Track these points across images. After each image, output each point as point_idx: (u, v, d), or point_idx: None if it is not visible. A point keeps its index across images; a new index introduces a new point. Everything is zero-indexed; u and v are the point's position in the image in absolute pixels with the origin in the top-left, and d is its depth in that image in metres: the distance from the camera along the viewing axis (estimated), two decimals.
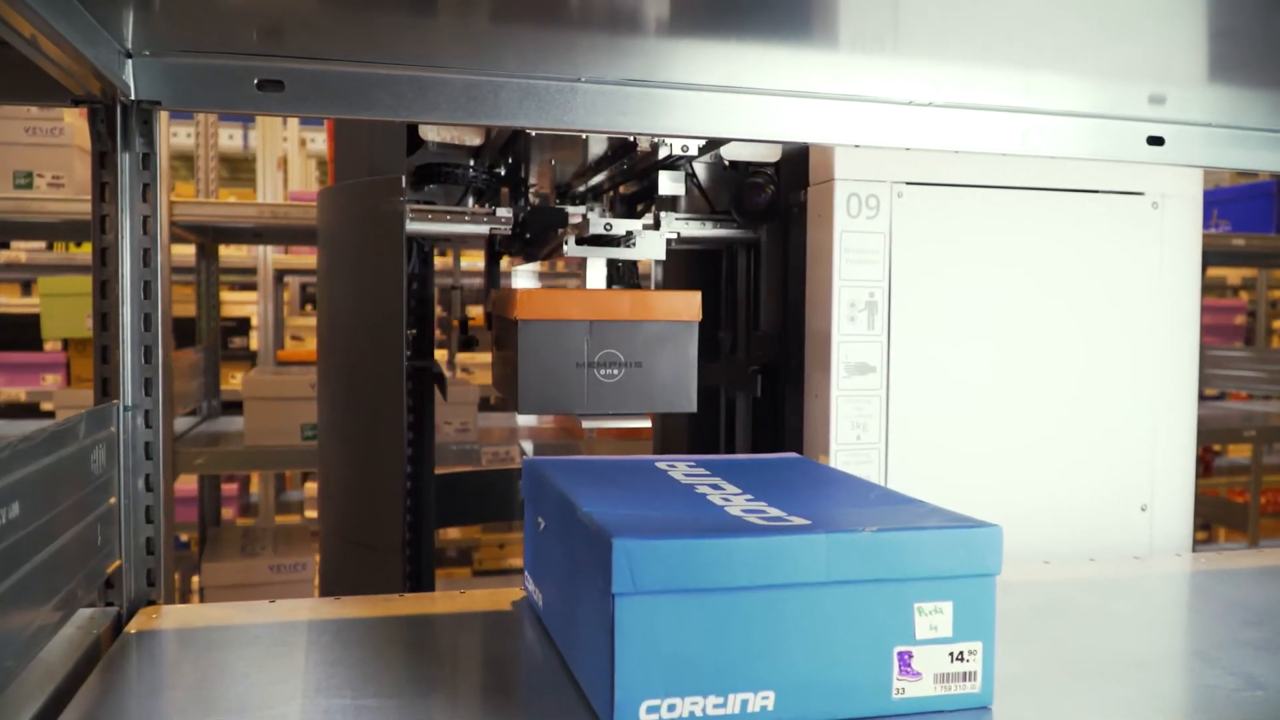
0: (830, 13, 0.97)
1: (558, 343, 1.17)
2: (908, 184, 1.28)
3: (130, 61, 0.95)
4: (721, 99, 1.10)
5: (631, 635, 0.69)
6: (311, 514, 4.05)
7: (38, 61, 0.83)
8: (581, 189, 1.57)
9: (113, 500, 0.96)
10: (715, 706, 0.71)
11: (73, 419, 0.85)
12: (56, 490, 0.79)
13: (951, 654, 0.75)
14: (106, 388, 0.99)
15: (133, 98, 0.95)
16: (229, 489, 4.23)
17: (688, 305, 1.22)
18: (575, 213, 1.43)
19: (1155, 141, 1.21)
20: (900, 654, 0.74)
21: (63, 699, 0.78)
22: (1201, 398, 4.52)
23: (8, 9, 0.69)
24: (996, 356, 1.33)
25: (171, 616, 0.97)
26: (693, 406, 1.21)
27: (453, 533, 4.13)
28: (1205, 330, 4.92)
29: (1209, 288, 5.71)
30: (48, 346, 4.31)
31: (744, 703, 0.71)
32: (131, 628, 0.93)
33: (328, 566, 1.50)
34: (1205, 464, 5.47)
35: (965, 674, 0.76)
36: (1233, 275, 5.28)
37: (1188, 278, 1.40)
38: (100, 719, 0.74)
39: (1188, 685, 0.85)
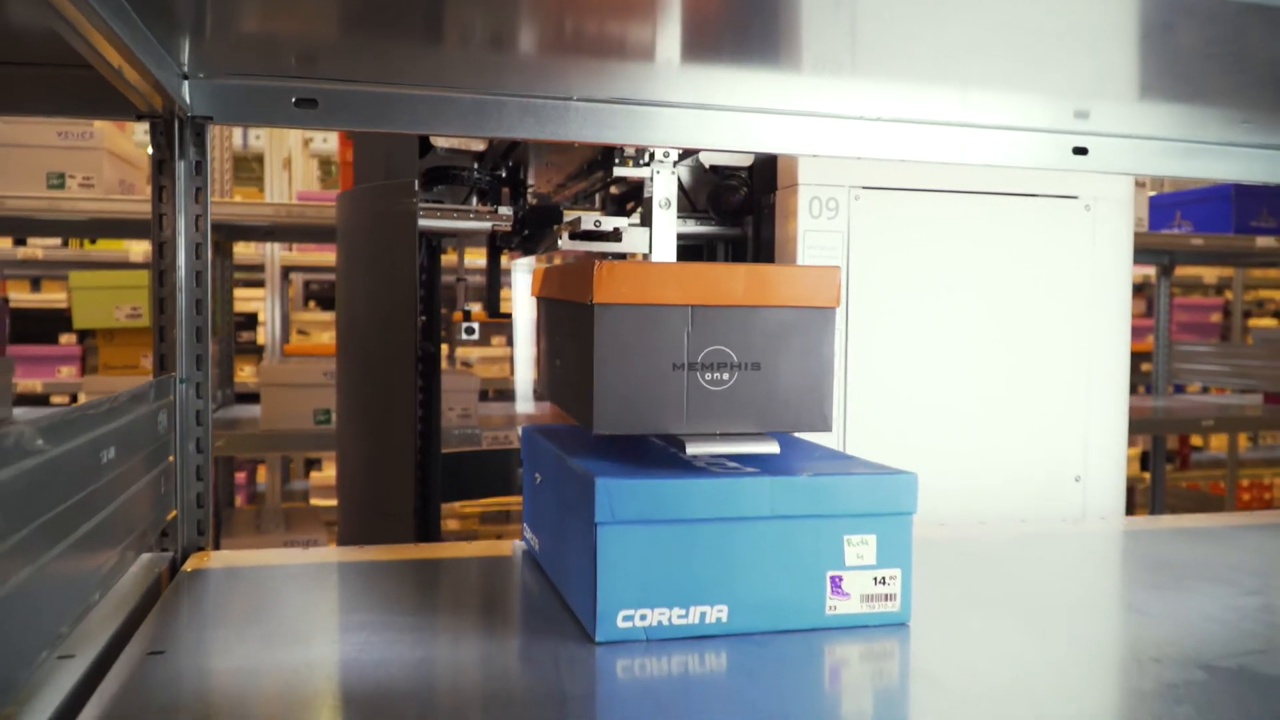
0: (794, 40, 1.12)
1: (649, 336, 0.90)
2: (864, 188, 1.44)
3: (186, 82, 1.11)
4: (697, 115, 1.26)
5: (610, 557, 0.86)
6: (317, 501, 4.20)
7: (117, 84, 0.98)
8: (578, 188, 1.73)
9: (171, 459, 1.11)
10: (679, 616, 0.87)
11: (143, 386, 1.01)
12: (136, 443, 0.95)
13: (875, 578, 0.91)
14: (164, 363, 1.15)
15: (189, 114, 1.11)
16: (237, 478, 4.39)
17: (823, 286, 0.94)
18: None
19: (1080, 151, 1.37)
20: (832, 577, 0.90)
21: (136, 621, 0.93)
22: (1179, 391, 4.68)
23: (104, 44, 0.85)
24: (944, 343, 1.49)
25: (220, 559, 1.13)
26: (828, 426, 0.95)
27: (452, 523, 4.28)
28: (1181, 327, 5.09)
29: (1187, 286, 5.88)
30: (63, 340, 4.47)
31: (702, 614, 0.88)
32: (187, 567, 1.09)
33: (345, 533, 1.66)
34: (1183, 458, 5.64)
35: (887, 595, 0.92)
36: (1209, 274, 5.44)
37: (1118, 272, 1.56)
38: (171, 633, 0.89)
39: (1081, 611, 1.01)
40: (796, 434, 1.37)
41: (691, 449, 0.92)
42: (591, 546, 0.86)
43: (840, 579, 0.91)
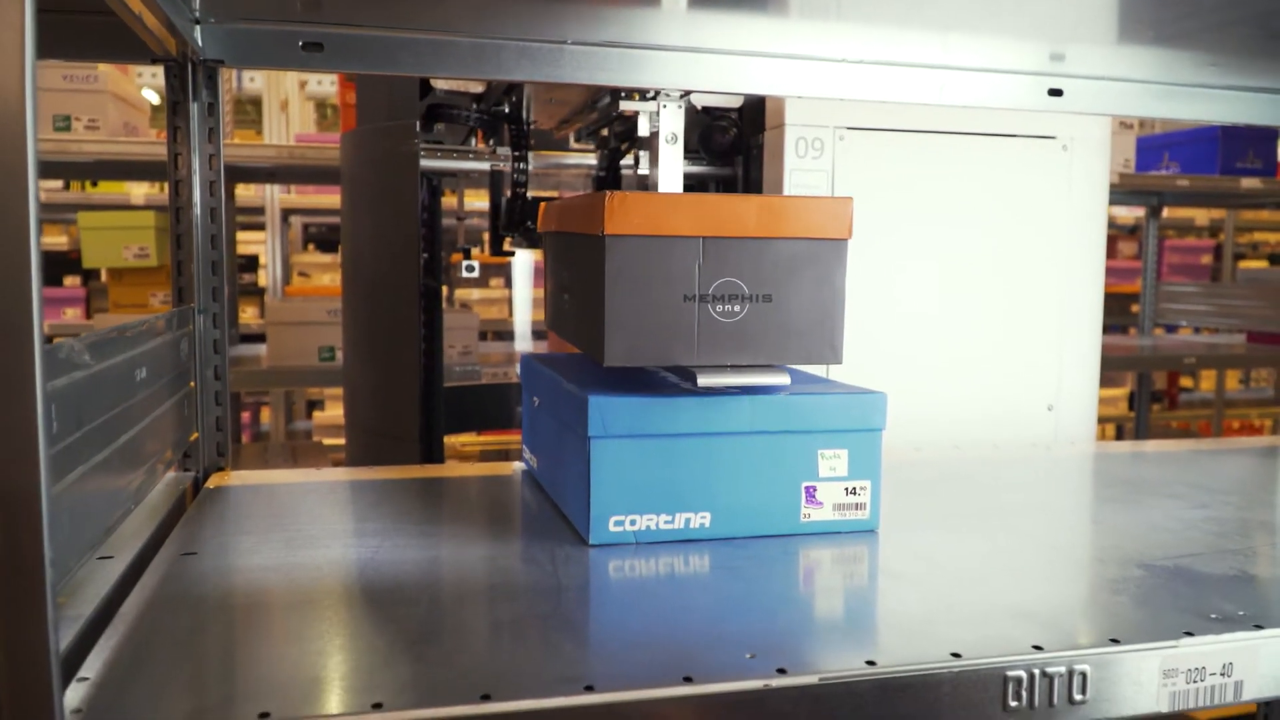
0: None
1: (660, 268, 0.90)
2: (848, 129, 1.50)
3: (198, 27, 1.17)
4: (687, 57, 1.32)
5: (603, 468, 0.93)
6: (320, 440, 4.29)
7: (135, 29, 1.04)
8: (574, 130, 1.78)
9: (192, 384, 1.19)
10: (665, 522, 0.95)
11: (166, 314, 1.08)
12: (162, 367, 1.02)
13: (847, 489, 0.99)
14: (182, 296, 1.21)
15: (202, 58, 1.17)
16: (242, 417, 4.47)
17: (836, 217, 0.94)
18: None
19: (1055, 93, 1.43)
20: (807, 488, 0.98)
21: (166, 529, 1.01)
22: (1171, 331, 4.76)
23: None
24: (926, 278, 1.55)
25: (240, 478, 1.21)
26: (838, 358, 0.96)
27: (452, 463, 4.38)
28: (1173, 269, 5.15)
29: (1180, 228, 5.92)
30: (67, 282, 4.53)
31: (687, 520, 0.96)
32: (210, 484, 1.17)
33: (353, 458, 1.74)
34: (1171, 398, 5.73)
35: (857, 505, 1.00)
36: (1201, 216, 5.49)
37: (1094, 209, 1.62)
38: (201, 538, 0.97)
39: (1038, 521, 1.09)
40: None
41: (703, 380, 0.92)
42: (585, 458, 0.94)
43: (814, 489, 0.99)
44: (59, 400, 0.67)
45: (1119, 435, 5.03)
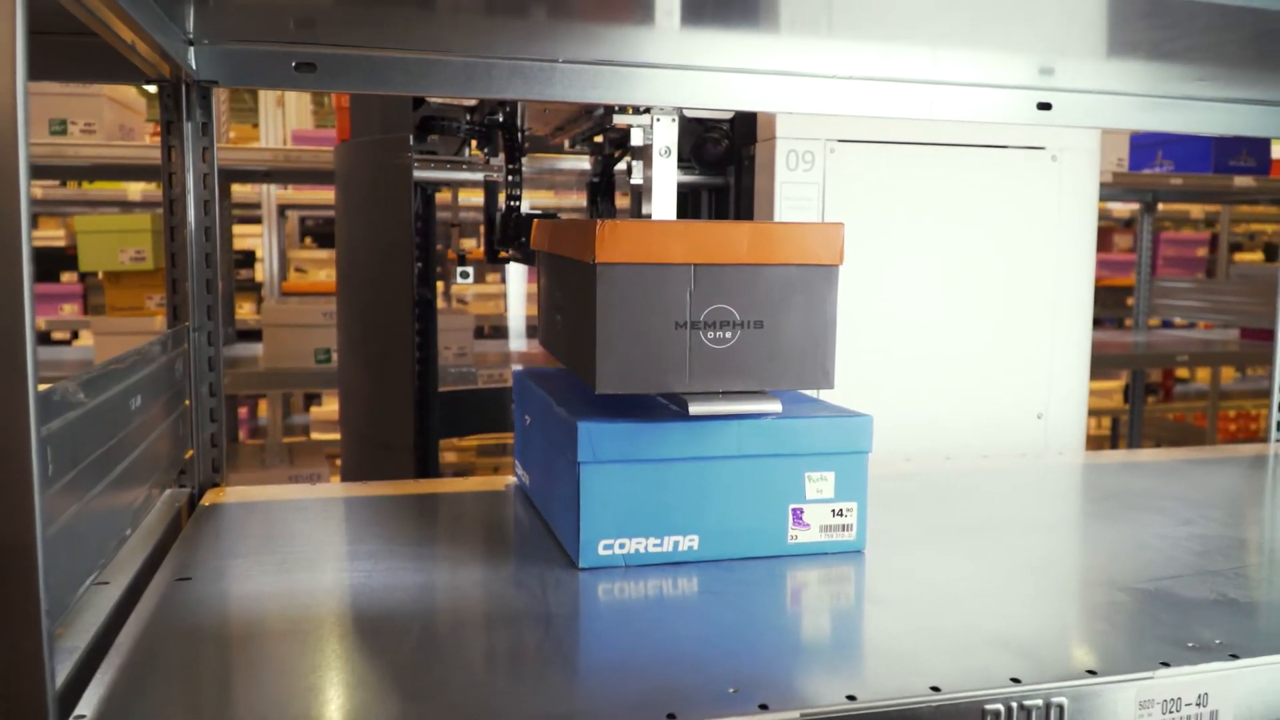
0: (773, 3, 1.18)
1: (651, 295, 0.90)
2: (839, 141, 1.51)
3: (192, 48, 1.17)
4: (678, 75, 1.33)
5: (592, 493, 0.95)
6: (318, 435, 4.31)
7: (127, 55, 1.05)
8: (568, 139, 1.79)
9: (186, 402, 1.20)
10: (654, 545, 0.96)
11: (161, 337, 1.09)
12: (157, 390, 1.03)
13: (833, 510, 1.01)
14: (177, 313, 1.22)
15: (195, 78, 1.18)
16: (239, 413, 4.49)
17: (828, 243, 0.95)
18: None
19: (1044, 107, 1.44)
20: (794, 510, 1.00)
21: (161, 551, 1.02)
22: (1167, 325, 4.77)
23: (118, 23, 0.91)
24: (916, 289, 1.57)
25: (235, 494, 1.22)
26: (830, 383, 0.97)
27: (450, 456, 4.39)
28: (1168, 262, 5.15)
29: (1177, 220, 5.93)
30: (64, 278, 4.54)
31: (675, 543, 0.97)
32: (205, 502, 1.19)
33: (348, 465, 1.75)
34: (1166, 390, 5.75)
35: (844, 526, 1.01)
36: (1196, 209, 5.49)
37: (1084, 218, 1.63)
38: (195, 561, 0.98)
39: (1025, 539, 1.11)
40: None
41: (694, 408, 0.92)
42: (575, 483, 0.95)
43: (801, 511, 1.00)
44: (54, 443, 0.68)
45: (1114, 428, 5.05)
